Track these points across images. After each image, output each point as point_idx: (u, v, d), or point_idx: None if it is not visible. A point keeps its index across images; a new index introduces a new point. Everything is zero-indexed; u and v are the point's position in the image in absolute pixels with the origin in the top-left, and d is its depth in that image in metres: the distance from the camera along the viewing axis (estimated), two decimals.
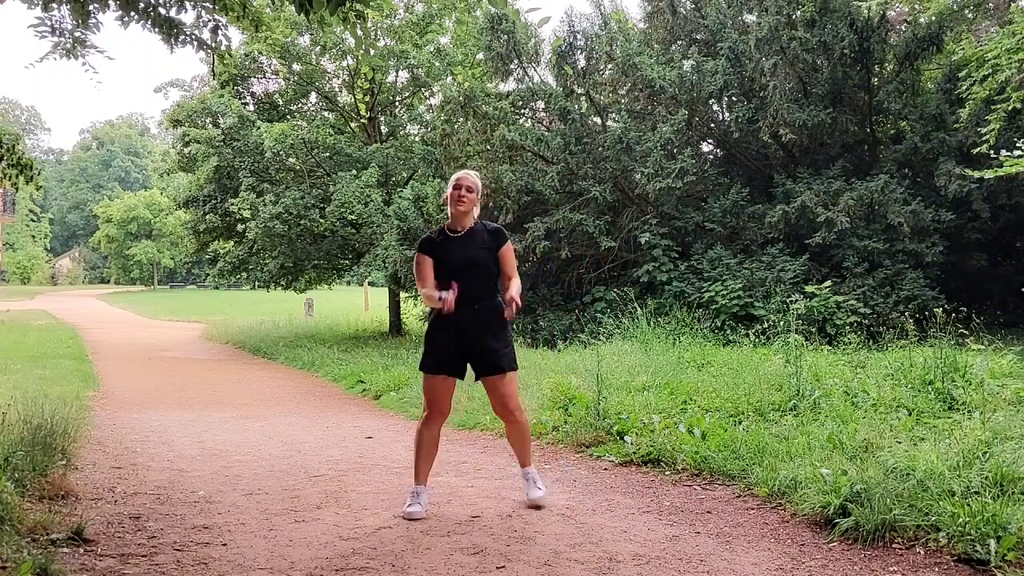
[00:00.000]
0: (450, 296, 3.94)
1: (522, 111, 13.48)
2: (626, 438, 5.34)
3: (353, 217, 15.19)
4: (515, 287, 4.07)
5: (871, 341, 8.64)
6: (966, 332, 6.90)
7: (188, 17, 7.71)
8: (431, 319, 4.28)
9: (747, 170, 12.77)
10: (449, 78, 16.36)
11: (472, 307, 4.05)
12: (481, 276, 4.09)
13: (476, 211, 4.21)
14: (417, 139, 17.15)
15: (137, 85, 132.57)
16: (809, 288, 9.72)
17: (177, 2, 4.40)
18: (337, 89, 18.27)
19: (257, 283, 17.86)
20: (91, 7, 4.43)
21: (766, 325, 8.51)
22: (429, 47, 16.65)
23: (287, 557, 3.42)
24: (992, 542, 3.16)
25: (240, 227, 16.20)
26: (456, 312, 3.96)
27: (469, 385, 7.87)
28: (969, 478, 3.66)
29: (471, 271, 4.05)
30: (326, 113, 18.51)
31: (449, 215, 4.20)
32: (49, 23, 4.57)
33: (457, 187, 4.14)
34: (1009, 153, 7.56)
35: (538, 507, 4.17)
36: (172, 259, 60.40)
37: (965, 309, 7.99)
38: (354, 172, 15.84)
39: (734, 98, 12.63)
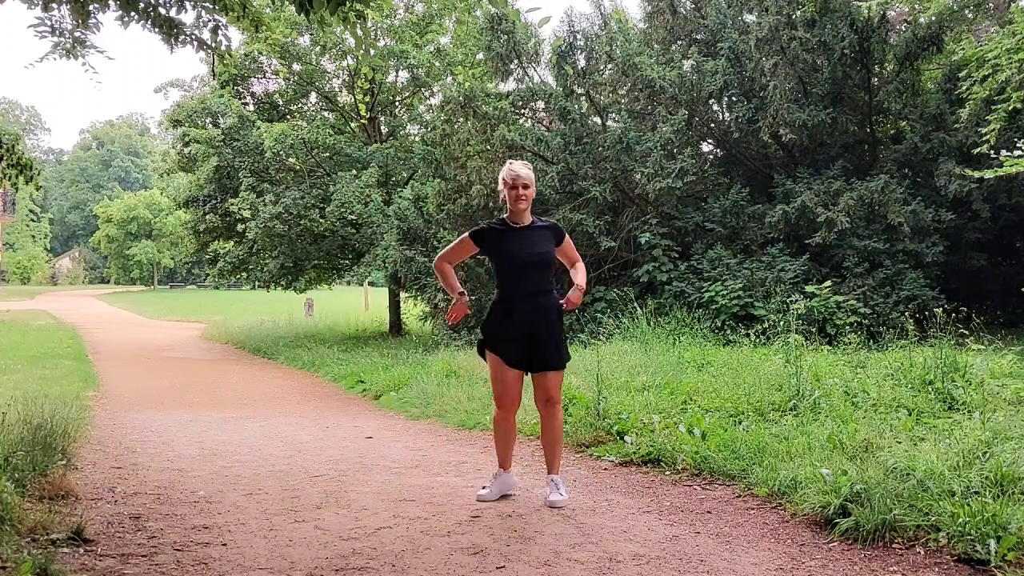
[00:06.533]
0: (462, 302, 4.23)
1: (522, 111, 13.47)
2: (626, 438, 5.33)
3: (353, 217, 15.20)
4: (580, 275, 4.35)
5: (871, 341, 8.63)
6: (966, 332, 6.89)
7: (188, 17, 7.72)
8: (496, 307, 4.25)
9: (747, 170, 12.77)
10: (449, 78, 16.36)
11: (537, 301, 4.19)
12: (546, 270, 4.25)
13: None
14: (417, 139, 17.14)
15: (137, 85, 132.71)
16: (809, 288, 9.72)
17: (177, 2, 4.39)
18: (337, 89, 18.28)
19: (257, 283, 17.87)
20: (91, 7, 4.43)
21: (766, 325, 8.52)
22: (429, 47, 16.66)
23: (287, 557, 3.42)
24: (992, 542, 3.16)
25: (240, 227, 16.21)
26: (518, 304, 4.15)
27: (469, 385, 7.94)
28: (969, 478, 3.66)
29: (536, 265, 4.19)
30: (326, 113, 18.51)
31: (507, 210, 4.29)
32: (49, 23, 4.57)
33: (514, 187, 4.23)
34: (1009, 153, 7.57)
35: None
36: (172, 259, 60.44)
37: (965, 309, 7.97)
38: (354, 172, 15.86)
39: (734, 98, 12.62)
